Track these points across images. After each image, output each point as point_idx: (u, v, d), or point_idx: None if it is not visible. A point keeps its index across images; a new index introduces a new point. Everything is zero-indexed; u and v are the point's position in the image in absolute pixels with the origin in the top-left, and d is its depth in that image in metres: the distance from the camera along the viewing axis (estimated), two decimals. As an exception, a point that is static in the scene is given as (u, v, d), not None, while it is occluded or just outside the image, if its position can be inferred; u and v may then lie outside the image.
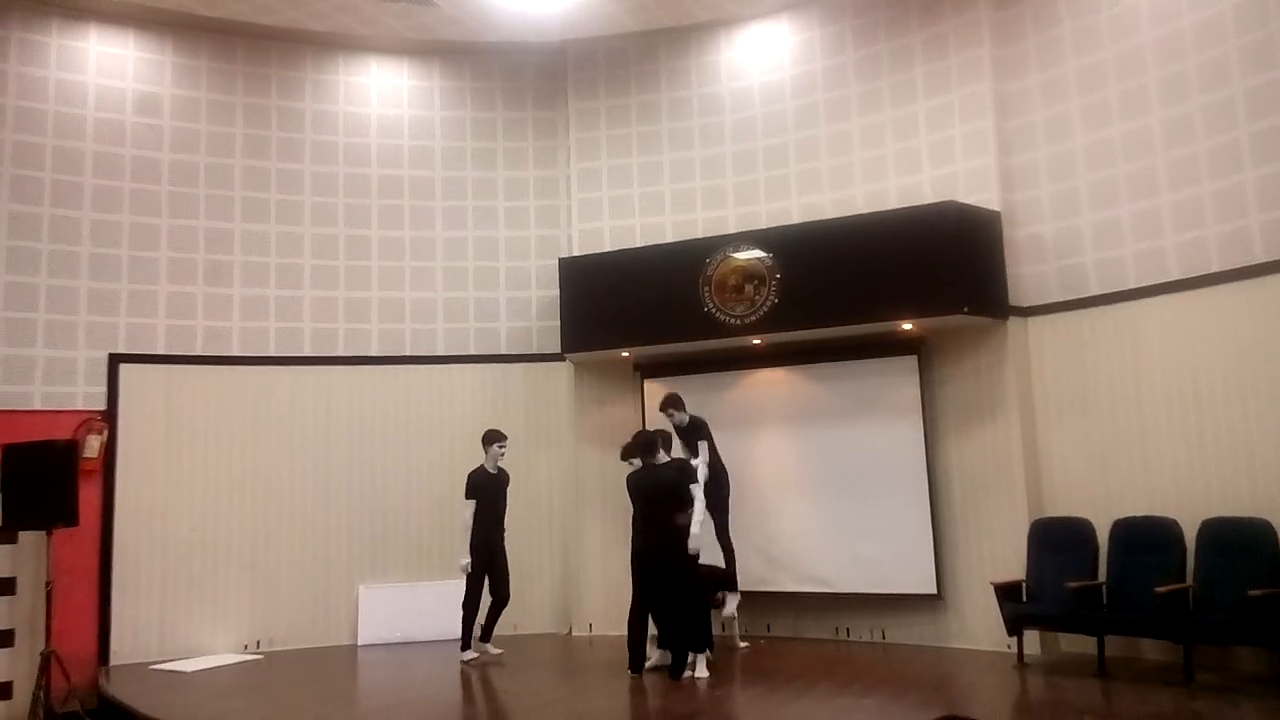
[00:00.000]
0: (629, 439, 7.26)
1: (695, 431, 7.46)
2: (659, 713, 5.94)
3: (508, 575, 7.65)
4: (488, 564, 7.56)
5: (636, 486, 6.88)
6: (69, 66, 8.10)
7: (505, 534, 7.71)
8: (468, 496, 7.56)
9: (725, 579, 7.45)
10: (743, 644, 7.54)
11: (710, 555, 7.16)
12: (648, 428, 8.39)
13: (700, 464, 7.21)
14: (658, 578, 6.65)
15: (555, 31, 8.92)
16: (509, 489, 7.80)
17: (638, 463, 6.99)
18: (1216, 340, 6.52)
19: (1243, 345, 6.39)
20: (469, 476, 7.65)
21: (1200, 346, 6.61)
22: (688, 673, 6.51)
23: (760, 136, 8.58)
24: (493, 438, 7.74)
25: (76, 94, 8.10)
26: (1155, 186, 6.88)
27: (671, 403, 7.54)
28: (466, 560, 7.48)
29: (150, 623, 7.83)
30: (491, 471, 7.70)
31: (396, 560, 8.59)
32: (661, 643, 6.84)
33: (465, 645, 7.49)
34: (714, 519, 7.31)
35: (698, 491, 6.84)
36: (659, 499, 6.71)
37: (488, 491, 7.62)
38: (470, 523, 7.51)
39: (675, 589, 6.59)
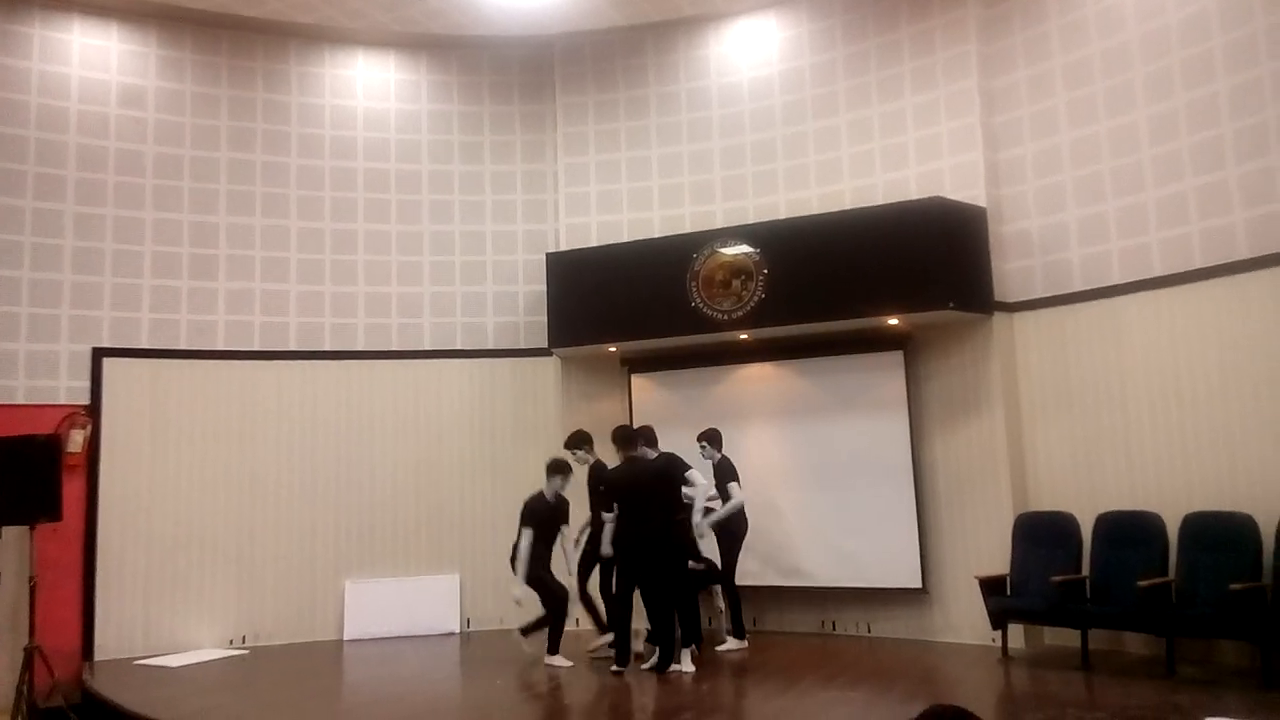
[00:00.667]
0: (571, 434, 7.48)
1: (723, 474, 7.30)
2: (645, 707, 5.95)
3: None
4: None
5: (618, 481, 6.86)
6: (52, 58, 8.03)
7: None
8: (524, 525, 7.12)
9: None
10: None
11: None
12: (636, 425, 8.41)
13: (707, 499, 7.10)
14: (646, 572, 6.62)
15: (543, 26, 8.90)
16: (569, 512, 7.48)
17: (577, 458, 7.27)
18: (1200, 336, 6.56)
19: (1226, 341, 6.44)
20: (526, 504, 7.20)
21: (1184, 342, 6.65)
22: (674, 666, 6.51)
23: (748, 132, 8.59)
24: (559, 468, 7.28)
25: (59, 86, 8.03)
26: (1140, 182, 6.91)
27: (574, 441, 7.33)
28: (520, 591, 7.04)
29: (135, 618, 7.79)
30: (550, 500, 7.28)
31: (382, 555, 8.58)
32: (650, 637, 6.85)
33: (604, 629, 7.28)
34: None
35: (696, 476, 6.78)
36: (646, 491, 6.67)
37: (544, 520, 7.19)
38: (527, 553, 7.03)
39: (664, 583, 6.59)
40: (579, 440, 7.37)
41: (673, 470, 6.81)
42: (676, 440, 7.42)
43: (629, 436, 6.98)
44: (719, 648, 7.23)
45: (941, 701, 1.98)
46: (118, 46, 8.29)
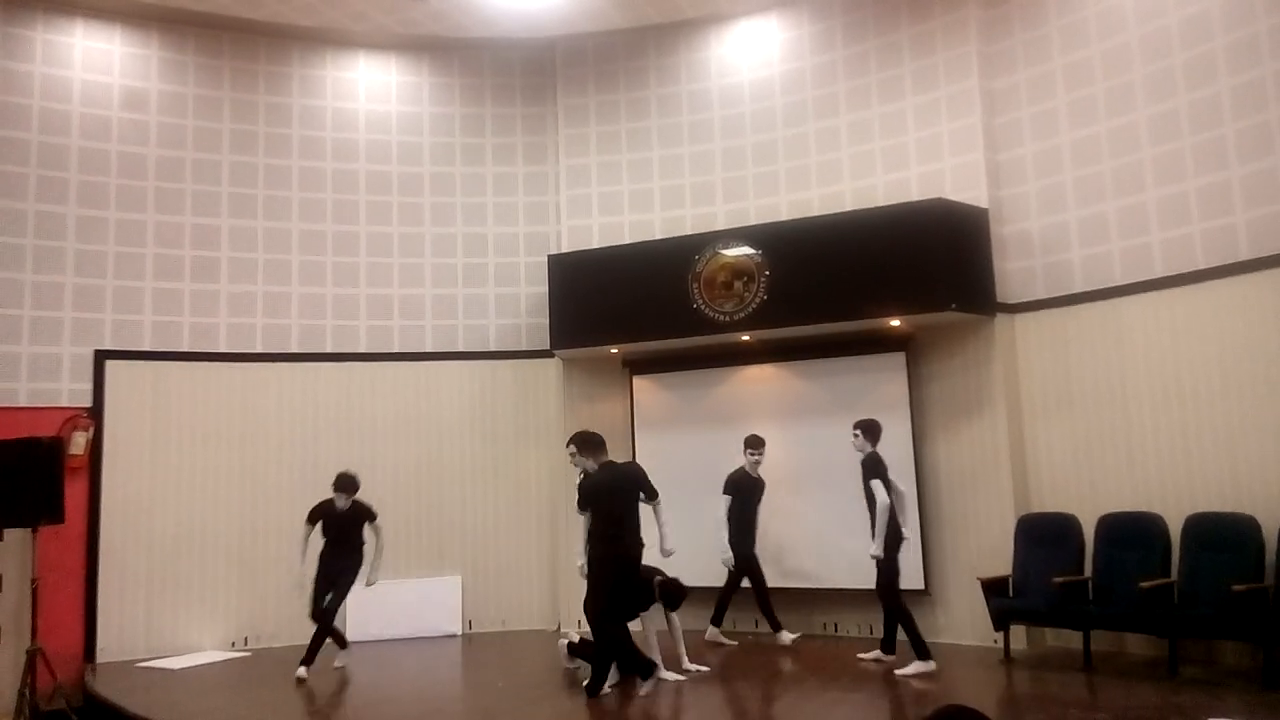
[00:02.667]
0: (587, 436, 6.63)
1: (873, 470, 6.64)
2: (645, 711, 5.94)
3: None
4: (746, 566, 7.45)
5: (606, 485, 6.25)
6: (54, 61, 8.05)
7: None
8: (725, 492, 7.46)
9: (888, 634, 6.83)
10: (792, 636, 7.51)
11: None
12: (637, 426, 8.44)
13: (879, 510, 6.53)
14: (638, 584, 6.36)
15: (544, 27, 8.91)
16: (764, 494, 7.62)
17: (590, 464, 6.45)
18: (1202, 337, 6.56)
19: (1227, 342, 6.43)
20: (729, 477, 7.50)
21: (1185, 343, 6.64)
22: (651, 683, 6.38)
23: (749, 133, 8.59)
24: (752, 442, 7.55)
25: (62, 89, 8.05)
26: (1141, 183, 6.91)
27: (577, 443, 6.47)
28: (728, 555, 7.36)
29: (137, 620, 7.80)
30: (753, 476, 7.58)
31: (384, 557, 8.55)
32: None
33: (777, 627, 7.52)
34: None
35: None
36: (631, 499, 6.27)
37: (744, 492, 7.51)
38: (725, 520, 7.38)
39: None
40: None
41: (644, 477, 6.37)
42: (684, 440, 7.40)
43: (601, 442, 6.45)
44: (900, 671, 6.42)
45: (943, 702, 1.98)
46: (120, 50, 8.31)
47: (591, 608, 6.21)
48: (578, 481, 6.54)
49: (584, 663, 6.65)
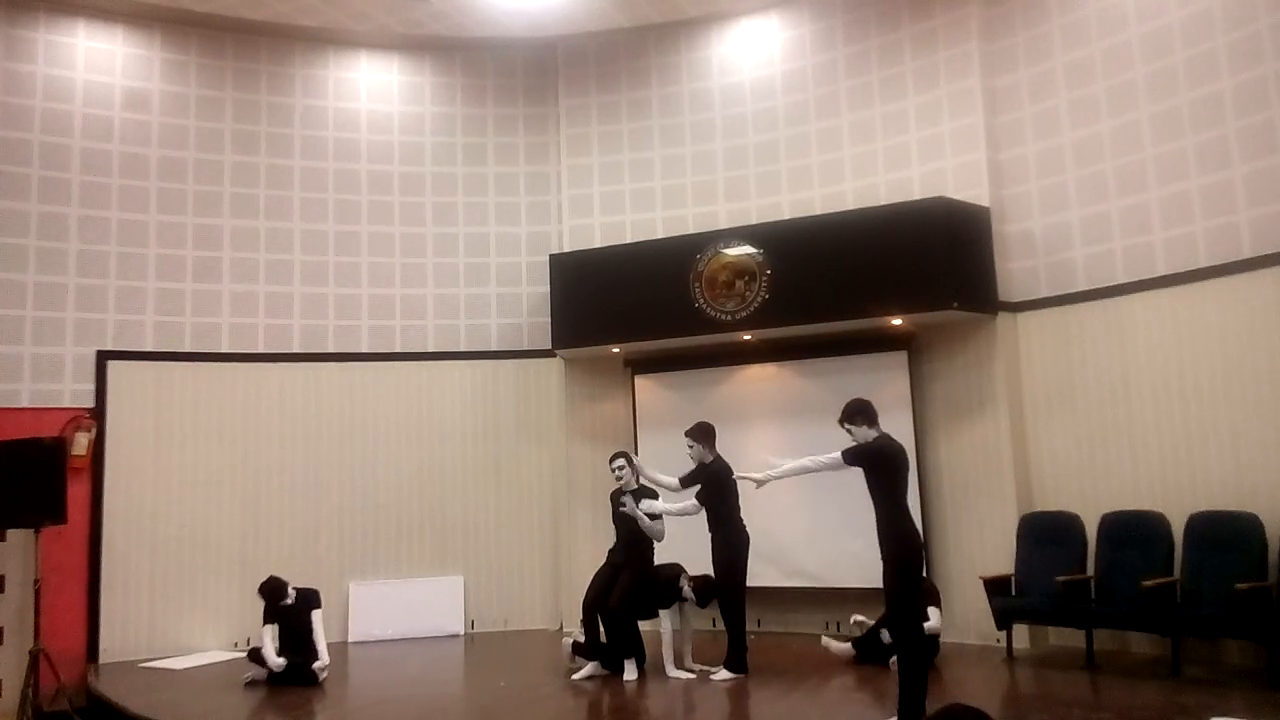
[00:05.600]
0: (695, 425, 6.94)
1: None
2: (649, 710, 5.94)
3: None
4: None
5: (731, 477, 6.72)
6: (56, 62, 8.06)
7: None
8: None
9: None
10: None
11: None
12: (638, 425, 8.42)
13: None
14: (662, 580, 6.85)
15: (546, 27, 8.91)
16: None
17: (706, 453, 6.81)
18: (1204, 335, 6.55)
19: (1230, 340, 6.42)
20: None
21: (1188, 341, 6.64)
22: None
23: (751, 132, 8.59)
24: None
25: (64, 89, 8.06)
26: (1144, 182, 6.90)
27: (693, 434, 6.87)
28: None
29: (139, 620, 7.81)
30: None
31: (386, 557, 8.58)
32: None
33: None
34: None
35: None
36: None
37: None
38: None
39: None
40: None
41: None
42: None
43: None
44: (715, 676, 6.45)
45: (947, 702, 1.99)
46: (122, 50, 8.31)
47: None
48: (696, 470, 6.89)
49: (587, 662, 6.68)
